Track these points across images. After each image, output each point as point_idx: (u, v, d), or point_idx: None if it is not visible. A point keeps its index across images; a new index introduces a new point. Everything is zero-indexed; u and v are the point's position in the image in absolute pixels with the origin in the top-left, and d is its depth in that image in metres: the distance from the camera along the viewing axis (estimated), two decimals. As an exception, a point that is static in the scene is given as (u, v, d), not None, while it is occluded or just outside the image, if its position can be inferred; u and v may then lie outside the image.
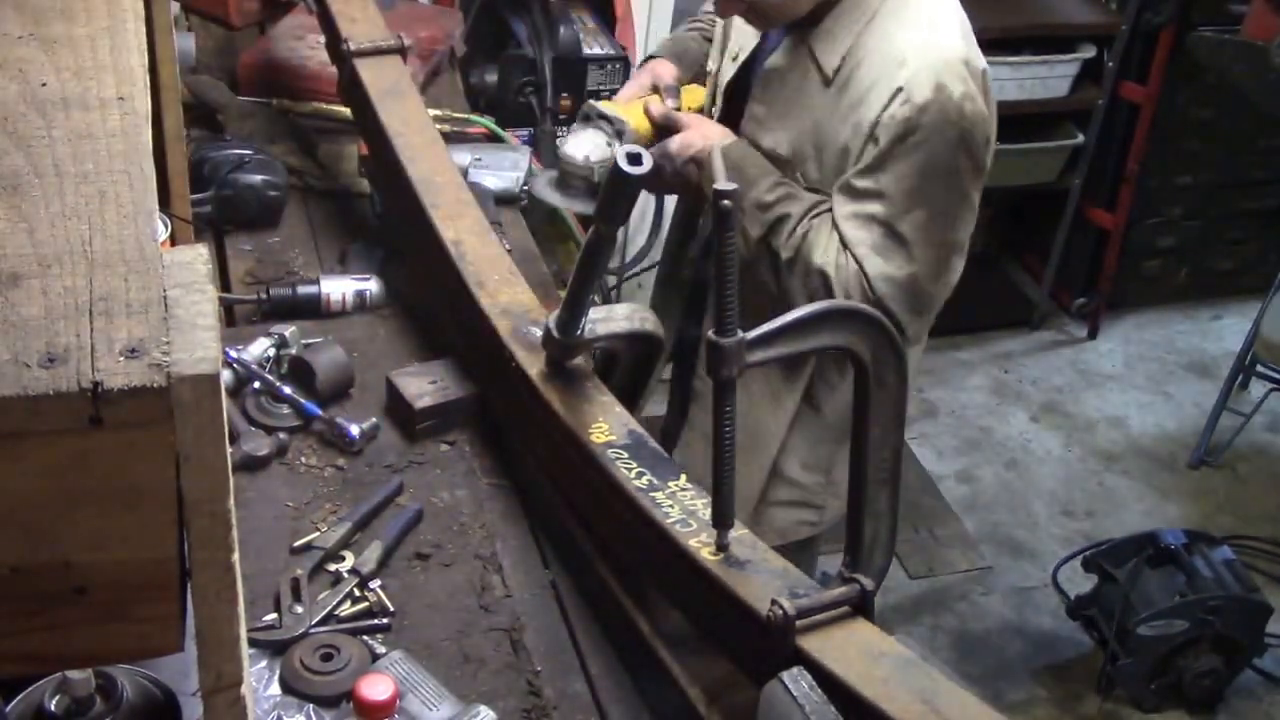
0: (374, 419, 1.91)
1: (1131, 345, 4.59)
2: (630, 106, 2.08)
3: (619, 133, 1.99)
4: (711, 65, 2.18)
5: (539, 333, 1.75)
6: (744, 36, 2.05)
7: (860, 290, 1.84)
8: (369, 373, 2.01)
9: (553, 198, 2.04)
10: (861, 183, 1.83)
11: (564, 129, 3.62)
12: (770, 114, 1.95)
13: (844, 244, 1.85)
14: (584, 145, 2.00)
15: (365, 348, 2.08)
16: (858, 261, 1.84)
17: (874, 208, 1.83)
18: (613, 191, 1.56)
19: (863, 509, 1.48)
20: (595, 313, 1.73)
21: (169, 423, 0.77)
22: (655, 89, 2.13)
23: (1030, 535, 3.78)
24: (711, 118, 2.11)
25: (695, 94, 2.20)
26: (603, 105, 2.04)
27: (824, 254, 1.87)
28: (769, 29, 1.97)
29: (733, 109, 2.06)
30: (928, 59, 1.78)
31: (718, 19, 2.20)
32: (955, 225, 1.87)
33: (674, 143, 1.98)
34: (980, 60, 1.85)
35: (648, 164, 1.52)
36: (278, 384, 1.92)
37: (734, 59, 2.06)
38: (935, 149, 1.79)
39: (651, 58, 2.27)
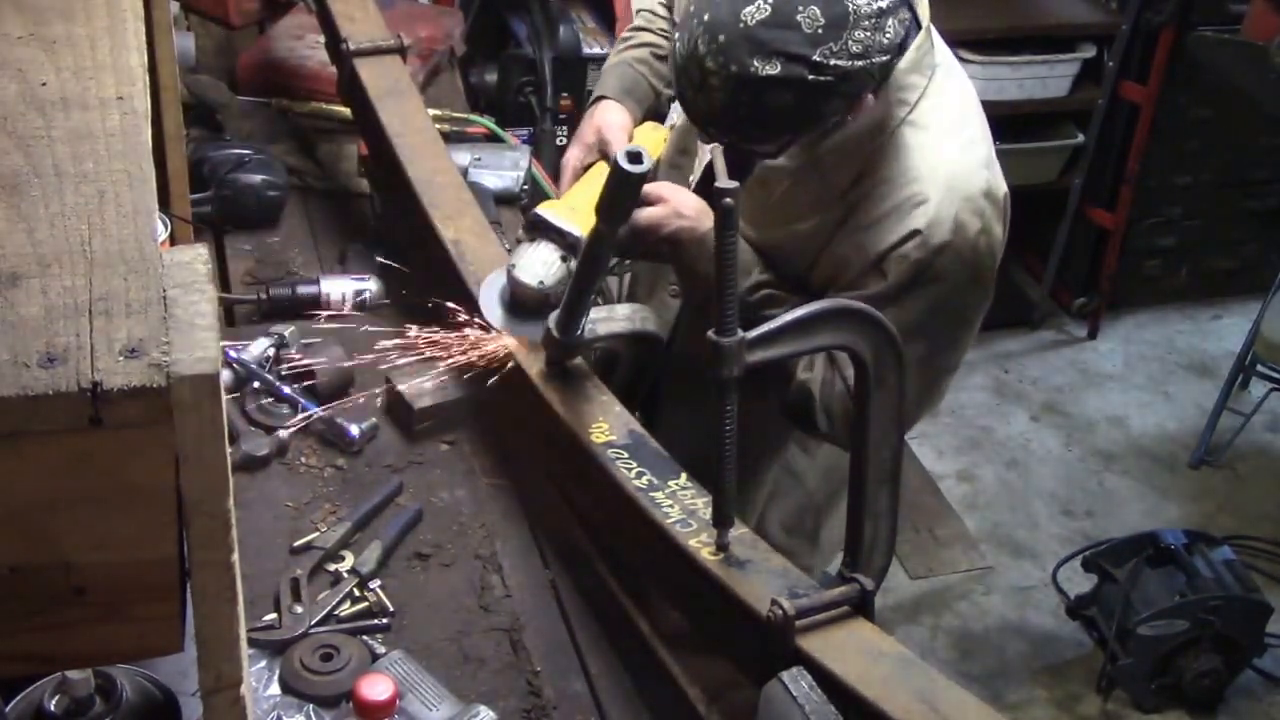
0: (373, 419, 1.91)
1: (1132, 345, 4.59)
2: (580, 199, 1.83)
3: (571, 246, 1.76)
4: (683, 120, 1.93)
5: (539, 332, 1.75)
6: None
7: (843, 410, 1.73)
8: (369, 373, 2.01)
9: (500, 320, 1.81)
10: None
11: (563, 130, 3.63)
12: (765, 209, 1.78)
13: (831, 360, 1.75)
14: (536, 268, 1.77)
15: (365, 348, 2.07)
16: (845, 382, 1.72)
17: None
18: (613, 191, 1.55)
19: (863, 509, 1.48)
20: (596, 312, 1.72)
21: (169, 423, 0.77)
22: (604, 154, 1.90)
23: (1030, 535, 3.77)
24: (681, 170, 1.95)
25: (651, 136, 1.98)
26: (552, 213, 1.79)
27: (808, 368, 1.76)
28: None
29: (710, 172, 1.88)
30: (951, 197, 1.66)
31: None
32: (953, 352, 1.80)
33: (642, 217, 1.72)
34: (1001, 184, 1.73)
35: (648, 163, 1.51)
36: (278, 384, 1.92)
37: None
38: (945, 290, 1.68)
39: (598, 100, 2.00)
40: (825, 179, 1.73)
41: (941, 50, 1.76)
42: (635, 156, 1.50)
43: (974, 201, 1.67)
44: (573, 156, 1.95)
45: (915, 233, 1.65)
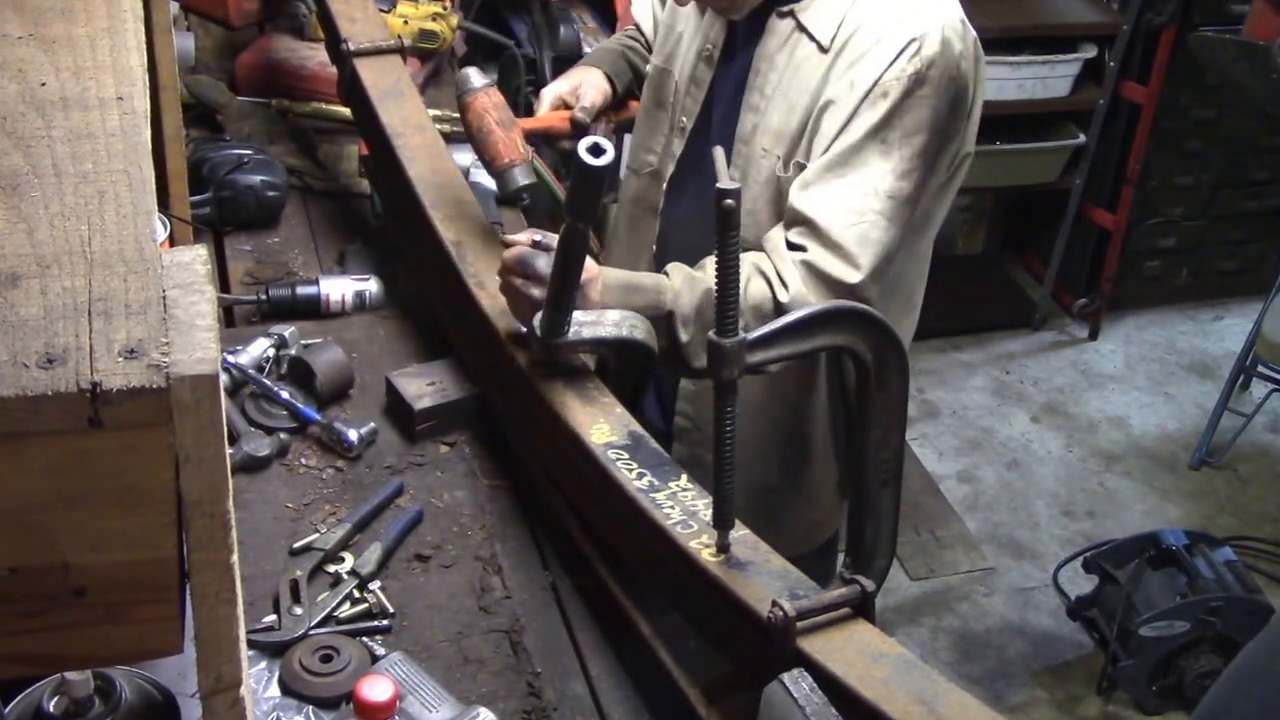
0: (372, 424, 1.90)
1: (1133, 346, 4.59)
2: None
3: None
4: (656, 63, 2.07)
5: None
6: (711, 31, 1.95)
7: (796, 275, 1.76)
8: (369, 373, 2.01)
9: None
10: (870, 144, 1.75)
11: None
12: (767, 99, 1.87)
13: (812, 224, 1.75)
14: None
15: (365, 348, 2.07)
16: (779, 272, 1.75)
17: (875, 178, 1.75)
18: (579, 186, 1.55)
19: (864, 510, 1.48)
20: (584, 315, 1.70)
21: (168, 423, 0.76)
22: (568, 107, 2.10)
23: (1031, 536, 3.77)
24: (673, 122, 2.02)
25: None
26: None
27: (784, 270, 1.76)
28: (736, 15, 1.89)
29: (706, 110, 1.98)
30: (938, 15, 1.76)
31: (643, 23, 2.20)
32: (923, 183, 1.82)
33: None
34: (973, 32, 1.83)
35: (610, 154, 1.51)
36: (276, 389, 1.91)
37: (707, 59, 1.96)
38: (939, 106, 1.76)
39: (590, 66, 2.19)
40: (810, 35, 1.83)
41: None
42: (596, 149, 1.50)
43: (956, 27, 1.79)
44: (555, 88, 2.13)
45: (911, 42, 1.74)
